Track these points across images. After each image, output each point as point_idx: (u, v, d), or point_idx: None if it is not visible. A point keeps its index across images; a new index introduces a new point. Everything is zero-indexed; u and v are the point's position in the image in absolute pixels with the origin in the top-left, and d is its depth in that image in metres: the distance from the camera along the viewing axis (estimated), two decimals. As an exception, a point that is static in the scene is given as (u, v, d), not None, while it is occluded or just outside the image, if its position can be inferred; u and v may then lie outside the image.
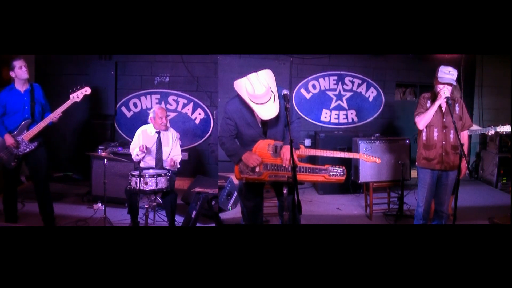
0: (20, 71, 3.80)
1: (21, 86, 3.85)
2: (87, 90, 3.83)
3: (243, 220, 3.30)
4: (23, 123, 3.81)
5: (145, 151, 4.02)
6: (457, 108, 3.49)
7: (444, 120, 3.44)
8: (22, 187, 5.07)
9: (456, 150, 3.39)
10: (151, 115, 4.20)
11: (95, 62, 5.80)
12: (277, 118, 2.99)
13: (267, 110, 2.86)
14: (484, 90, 6.73)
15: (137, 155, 4.10)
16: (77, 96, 3.80)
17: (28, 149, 3.82)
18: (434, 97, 3.44)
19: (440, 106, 3.42)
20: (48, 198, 3.99)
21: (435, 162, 3.45)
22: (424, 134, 3.50)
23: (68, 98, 3.80)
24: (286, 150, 3.00)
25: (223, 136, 3.07)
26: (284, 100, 2.86)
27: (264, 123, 3.02)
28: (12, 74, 3.82)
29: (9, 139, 3.75)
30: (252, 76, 2.84)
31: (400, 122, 6.51)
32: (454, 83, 3.40)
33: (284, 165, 2.99)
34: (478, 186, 6.11)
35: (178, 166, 4.23)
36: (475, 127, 4.53)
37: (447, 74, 3.36)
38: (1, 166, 3.92)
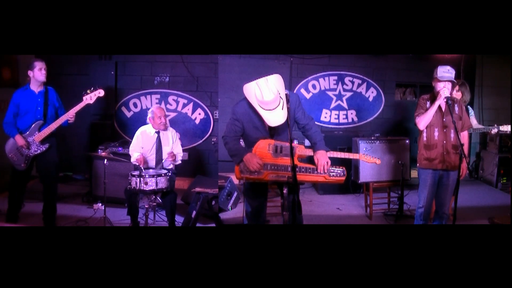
0: (39, 73, 3.79)
1: (36, 87, 3.85)
2: (100, 92, 3.82)
3: (246, 220, 3.30)
4: (34, 124, 3.80)
5: (141, 165, 3.97)
6: (456, 108, 3.49)
7: (444, 120, 3.44)
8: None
9: (457, 150, 3.39)
10: (149, 115, 4.20)
11: (95, 62, 5.81)
12: (285, 122, 2.98)
13: (275, 116, 2.84)
14: (484, 90, 6.74)
15: (134, 162, 4.10)
16: (90, 98, 3.80)
17: (39, 150, 3.81)
18: (433, 98, 3.45)
19: (440, 106, 3.42)
20: (54, 199, 3.99)
21: (436, 162, 3.45)
22: (424, 134, 3.50)
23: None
24: (320, 155, 3.02)
25: (228, 136, 3.07)
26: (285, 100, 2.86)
27: (272, 127, 3.01)
28: (30, 73, 3.81)
29: (20, 140, 3.74)
30: (262, 81, 2.80)
31: (400, 122, 6.52)
32: (454, 81, 3.42)
33: (319, 171, 3.01)
34: (478, 186, 6.11)
35: (179, 161, 4.22)
36: (478, 125, 4.54)
37: (447, 72, 3.38)
38: (11, 166, 3.92)
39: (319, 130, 3.22)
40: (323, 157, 3.02)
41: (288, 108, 2.83)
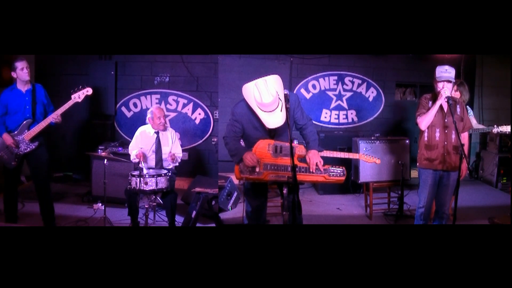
0: (21, 73, 3.80)
1: (22, 86, 3.86)
2: (88, 91, 3.83)
3: (247, 220, 3.30)
4: (24, 122, 3.81)
5: (141, 159, 3.98)
6: (458, 109, 3.49)
7: (446, 120, 3.43)
8: (22, 187, 5.07)
9: (457, 151, 3.38)
10: (149, 115, 4.20)
11: (95, 62, 5.81)
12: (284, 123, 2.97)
13: (274, 118, 2.84)
14: (484, 90, 6.74)
15: (134, 159, 4.11)
16: (79, 96, 3.80)
17: (28, 148, 3.82)
18: (435, 98, 3.43)
19: (441, 107, 3.41)
20: (48, 198, 3.99)
21: (437, 163, 3.44)
22: (426, 134, 3.49)
23: (69, 98, 3.80)
24: (312, 155, 3.01)
25: (228, 136, 3.08)
26: (284, 100, 2.86)
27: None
28: (13, 74, 3.83)
29: (7, 139, 3.75)
30: (261, 82, 2.80)
31: (400, 122, 6.52)
32: (453, 80, 3.40)
33: (311, 170, 3.01)
34: (478, 186, 6.11)
35: (178, 161, 4.22)
36: (478, 125, 4.53)
37: (444, 72, 3.36)
38: (1, 166, 3.92)
39: (315, 130, 3.21)
40: (314, 156, 3.01)
41: (287, 108, 2.82)
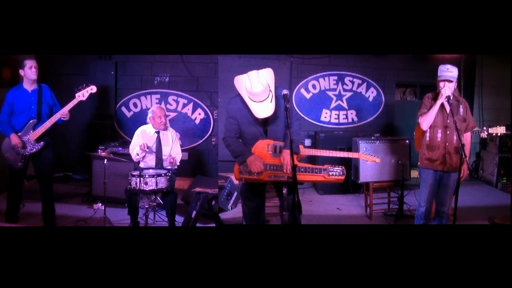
0: (29, 71, 3.79)
1: (29, 86, 3.85)
2: (92, 89, 3.82)
3: (245, 221, 3.29)
4: (29, 123, 3.81)
5: (147, 150, 4.00)
6: (461, 110, 3.47)
7: (448, 121, 3.42)
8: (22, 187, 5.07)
9: (459, 151, 3.37)
10: (149, 115, 4.20)
11: (95, 62, 5.81)
12: (276, 117, 2.99)
13: (263, 108, 2.87)
14: (484, 90, 6.74)
15: (137, 154, 4.08)
16: (83, 94, 3.79)
17: (34, 149, 3.81)
18: (436, 97, 3.42)
19: (443, 107, 3.41)
20: (51, 198, 3.99)
21: (437, 163, 3.44)
22: (427, 134, 3.48)
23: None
24: (286, 154, 3.00)
25: (228, 137, 3.07)
26: (284, 100, 2.86)
27: (265, 121, 3.02)
28: (21, 72, 3.82)
29: (15, 139, 3.74)
30: (253, 73, 2.84)
31: (400, 122, 6.51)
32: (454, 80, 3.39)
33: (284, 170, 3.00)
34: (478, 186, 6.12)
35: (178, 164, 4.23)
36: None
37: (445, 71, 3.36)
38: (7, 166, 3.92)
39: (300, 132, 3.23)
40: (288, 155, 2.95)
41: (288, 108, 2.82)
